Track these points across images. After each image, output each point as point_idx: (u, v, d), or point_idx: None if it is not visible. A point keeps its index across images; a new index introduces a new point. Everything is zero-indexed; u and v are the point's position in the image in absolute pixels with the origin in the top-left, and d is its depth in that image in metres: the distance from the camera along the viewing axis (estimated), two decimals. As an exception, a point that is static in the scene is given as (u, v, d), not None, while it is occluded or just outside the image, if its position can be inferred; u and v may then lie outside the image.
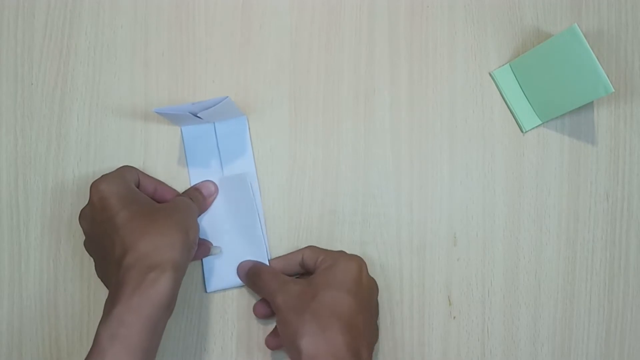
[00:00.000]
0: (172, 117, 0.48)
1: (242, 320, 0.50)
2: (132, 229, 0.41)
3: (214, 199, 0.50)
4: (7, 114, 0.51)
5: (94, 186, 0.44)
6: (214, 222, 0.50)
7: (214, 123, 0.50)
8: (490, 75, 0.52)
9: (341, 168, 0.51)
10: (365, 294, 0.45)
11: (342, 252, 0.48)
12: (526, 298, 0.51)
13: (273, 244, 0.50)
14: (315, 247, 0.49)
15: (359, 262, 0.46)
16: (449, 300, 0.51)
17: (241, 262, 0.49)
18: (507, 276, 0.51)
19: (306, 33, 0.51)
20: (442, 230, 0.51)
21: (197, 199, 0.48)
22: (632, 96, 0.52)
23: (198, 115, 0.46)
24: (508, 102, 0.52)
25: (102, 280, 0.46)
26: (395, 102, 0.51)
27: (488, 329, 0.51)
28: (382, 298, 0.50)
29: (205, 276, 0.49)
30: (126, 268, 0.40)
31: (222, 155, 0.50)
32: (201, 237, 0.49)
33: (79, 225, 0.50)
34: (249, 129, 0.51)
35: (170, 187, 0.49)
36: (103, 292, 0.48)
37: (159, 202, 0.47)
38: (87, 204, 0.45)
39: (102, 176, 0.45)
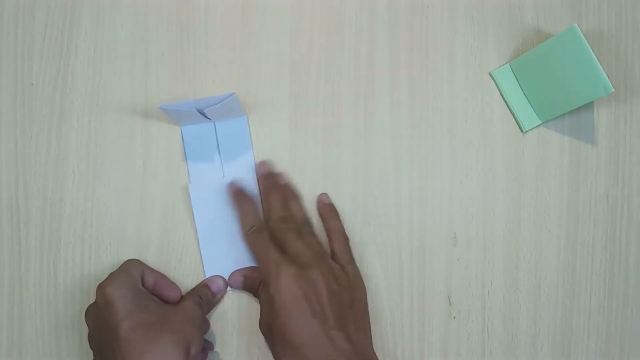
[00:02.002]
0: (175, 115, 0.47)
1: (242, 320, 0.50)
2: (133, 344, 0.41)
3: (224, 294, 0.50)
4: (7, 114, 0.51)
5: (101, 289, 0.43)
6: (218, 222, 0.50)
7: (214, 123, 0.50)
8: (490, 75, 0.52)
9: (341, 168, 0.51)
10: (304, 300, 0.44)
11: (273, 261, 0.46)
12: (526, 298, 0.51)
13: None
14: (259, 250, 0.48)
15: (285, 278, 0.45)
16: (449, 300, 0.51)
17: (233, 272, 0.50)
18: (507, 276, 0.51)
19: (306, 33, 0.52)
20: (442, 231, 0.51)
21: (206, 295, 0.48)
22: (632, 96, 0.52)
23: (204, 112, 0.46)
24: (508, 102, 0.52)
25: None
26: (395, 102, 0.51)
27: (488, 329, 0.51)
28: (382, 298, 0.50)
29: (206, 273, 0.50)
30: None
31: (222, 155, 0.50)
32: (202, 236, 0.49)
33: (79, 226, 0.50)
34: (249, 128, 0.51)
35: (170, 282, 0.49)
36: (103, 292, 0.48)
37: (158, 296, 0.47)
38: (92, 304, 0.45)
39: (109, 276, 0.45)
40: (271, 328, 0.44)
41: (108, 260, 0.50)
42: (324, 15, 0.52)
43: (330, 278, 0.45)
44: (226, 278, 0.50)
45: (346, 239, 0.49)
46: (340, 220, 0.50)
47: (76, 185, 0.50)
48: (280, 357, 0.44)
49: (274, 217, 0.48)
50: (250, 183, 0.50)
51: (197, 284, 0.49)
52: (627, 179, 0.52)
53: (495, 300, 0.51)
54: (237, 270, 0.49)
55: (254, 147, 0.51)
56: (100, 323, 0.43)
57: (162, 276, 0.49)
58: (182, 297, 0.48)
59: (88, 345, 0.46)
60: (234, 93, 0.45)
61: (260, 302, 0.47)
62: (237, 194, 0.49)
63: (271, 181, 0.50)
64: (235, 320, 0.50)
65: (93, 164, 0.50)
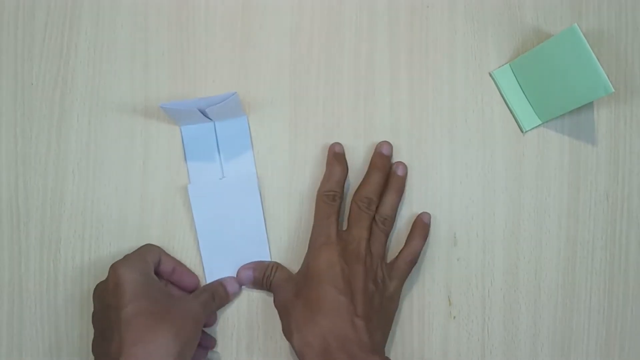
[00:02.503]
0: (176, 114, 0.47)
1: (242, 320, 0.50)
2: (133, 328, 0.41)
3: (236, 296, 0.50)
4: (7, 114, 0.51)
5: (113, 269, 0.43)
6: (218, 222, 0.50)
7: (214, 123, 0.50)
8: (490, 75, 0.52)
9: (341, 168, 0.51)
10: (342, 276, 0.45)
11: (323, 234, 0.47)
12: (526, 298, 0.51)
13: (273, 243, 0.50)
14: (281, 265, 0.49)
15: (332, 247, 0.46)
16: (449, 300, 0.51)
17: (241, 267, 0.50)
18: (507, 276, 0.51)
19: (306, 33, 0.51)
20: (442, 230, 0.51)
21: (219, 293, 0.48)
22: (632, 96, 0.52)
23: (205, 111, 0.46)
24: (508, 102, 0.52)
25: (94, 357, 0.45)
26: (395, 102, 0.51)
27: (488, 329, 0.51)
28: (382, 298, 0.50)
29: (206, 274, 0.49)
30: None
31: (222, 155, 0.50)
32: (201, 236, 0.49)
33: (79, 226, 0.50)
34: (249, 128, 0.51)
35: (188, 270, 0.49)
36: (103, 292, 0.48)
37: (176, 284, 0.47)
38: (102, 282, 0.45)
39: (125, 257, 0.45)
40: (297, 296, 0.45)
41: (108, 260, 0.50)
42: (324, 15, 0.52)
43: (369, 278, 0.45)
44: (229, 278, 0.49)
45: (413, 261, 0.49)
46: (423, 244, 0.49)
47: (76, 185, 0.50)
48: (298, 325, 0.44)
49: (362, 195, 0.48)
50: (251, 182, 0.50)
51: (214, 281, 0.49)
52: (627, 179, 0.52)
53: (495, 300, 0.51)
54: (244, 265, 0.49)
55: (253, 147, 0.51)
56: (106, 302, 0.43)
57: (181, 264, 0.49)
58: (194, 293, 0.48)
59: (88, 344, 0.46)
60: (235, 92, 0.45)
61: (276, 280, 0.47)
62: (337, 155, 0.49)
63: (383, 162, 0.49)
64: (235, 320, 0.50)
65: (93, 164, 0.50)
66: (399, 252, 0.49)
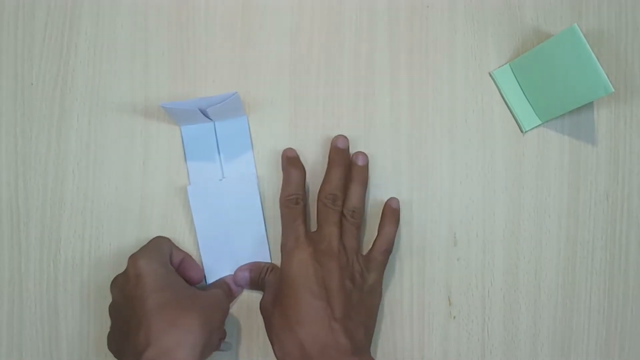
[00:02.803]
0: (176, 114, 0.47)
1: (242, 320, 0.50)
2: (160, 318, 0.41)
3: (240, 292, 0.50)
4: (7, 114, 0.51)
5: (133, 260, 0.43)
6: (217, 222, 0.50)
7: (214, 123, 0.50)
8: (490, 75, 0.52)
9: (341, 168, 0.51)
10: (315, 280, 0.44)
11: (294, 236, 0.47)
12: (526, 298, 0.51)
13: (273, 243, 0.50)
14: (285, 223, 0.48)
15: (305, 247, 0.45)
16: (449, 300, 0.51)
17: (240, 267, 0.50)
18: (507, 276, 0.51)
19: (306, 33, 0.51)
20: (442, 230, 0.51)
21: (224, 290, 0.48)
22: (632, 96, 0.52)
23: (206, 111, 0.46)
24: (508, 102, 0.52)
25: (111, 351, 0.45)
26: (395, 102, 0.51)
27: (488, 329, 0.51)
28: (383, 298, 0.50)
29: (206, 275, 0.50)
30: None
31: (222, 155, 0.50)
32: (201, 237, 0.49)
33: (79, 226, 0.50)
34: (249, 129, 0.51)
35: (195, 263, 0.49)
36: (103, 292, 0.48)
37: (182, 275, 0.47)
38: (121, 274, 0.45)
39: (141, 250, 0.45)
40: (274, 301, 0.44)
41: (108, 260, 0.50)
42: (324, 15, 0.52)
43: (345, 275, 0.45)
44: (228, 271, 0.49)
45: (388, 250, 0.48)
46: (395, 230, 0.49)
47: (76, 185, 0.50)
48: (277, 334, 0.44)
49: (326, 192, 0.47)
50: (251, 182, 0.50)
51: (220, 278, 0.50)
52: (627, 179, 0.52)
53: (495, 300, 0.51)
54: (240, 266, 0.49)
55: (253, 147, 0.51)
56: (127, 293, 0.43)
57: (189, 256, 0.49)
58: (210, 286, 0.49)
59: (88, 344, 0.46)
60: (236, 93, 0.45)
61: (266, 284, 0.47)
62: (291, 159, 0.49)
63: (341, 156, 0.49)
64: (235, 321, 0.50)
65: (93, 164, 0.50)
66: (373, 243, 0.49)
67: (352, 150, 0.50)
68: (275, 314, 0.45)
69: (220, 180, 0.50)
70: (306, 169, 0.50)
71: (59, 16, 0.51)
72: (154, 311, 0.41)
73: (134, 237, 0.50)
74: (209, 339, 0.42)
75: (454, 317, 0.51)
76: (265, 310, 0.47)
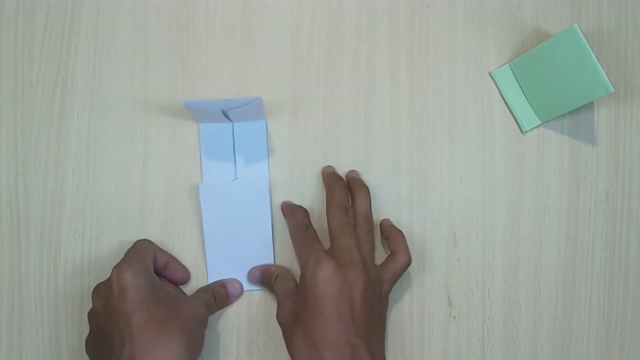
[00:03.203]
0: (198, 112, 0.47)
1: (242, 320, 0.50)
2: (145, 336, 0.41)
3: (237, 299, 0.50)
4: (7, 114, 0.51)
5: (118, 272, 0.43)
6: (225, 222, 0.49)
7: (232, 123, 0.50)
8: (490, 75, 0.52)
9: (341, 168, 0.51)
10: (337, 299, 0.44)
11: (315, 251, 0.45)
12: (526, 298, 0.51)
13: (278, 249, 0.50)
14: (301, 239, 0.48)
15: (328, 262, 0.44)
16: (449, 300, 0.51)
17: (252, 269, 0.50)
18: (507, 276, 0.51)
19: (306, 33, 0.52)
20: (442, 230, 0.51)
21: (220, 295, 0.48)
22: (632, 96, 0.52)
23: (228, 113, 0.46)
24: (508, 102, 0.52)
25: (89, 356, 0.45)
26: (395, 102, 0.51)
27: (488, 329, 0.51)
28: (382, 298, 0.50)
29: (209, 274, 0.50)
30: None
31: (237, 156, 0.50)
32: (210, 235, 0.50)
33: (79, 226, 0.50)
34: (267, 133, 0.50)
35: (181, 265, 0.49)
36: (103, 292, 0.48)
37: (167, 278, 0.48)
38: (104, 283, 0.44)
39: (125, 260, 0.44)
40: (296, 318, 0.44)
41: (108, 260, 0.50)
42: (324, 15, 0.52)
43: (367, 285, 0.44)
44: (231, 280, 0.50)
45: (405, 265, 0.48)
46: (405, 241, 0.49)
47: (76, 185, 0.50)
48: (296, 349, 0.43)
49: (335, 207, 0.47)
50: (264, 186, 0.50)
51: (215, 281, 0.50)
52: (627, 179, 0.52)
53: (495, 300, 0.51)
54: (254, 267, 0.50)
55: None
56: (111, 305, 0.43)
57: (173, 258, 0.49)
58: (196, 293, 0.48)
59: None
60: (260, 98, 0.45)
61: (278, 294, 0.47)
62: (290, 207, 0.49)
63: (335, 176, 0.49)
64: (235, 321, 0.50)
65: (93, 164, 0.50)
66: (390, 258, 0.48)
67: (357, 146, 0.50)
68: (298, 331, 0.44)
69: (233, 180, 0.50)
70: (306, 170, 0.50)
71: (59, 16, 0.51)
72: (138, 329, 0.41)
73: (134, 237, 0.50)
74: (191, 354, 0.43)
75: (454, 317, 0.51)
76: (285, 324, 0.46)
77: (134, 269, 0.43)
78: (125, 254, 0.45)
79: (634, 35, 0.53)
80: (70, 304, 0.50)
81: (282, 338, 0.46)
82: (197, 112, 0.47)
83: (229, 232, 0.49)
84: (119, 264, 0.44)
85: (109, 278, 0.44)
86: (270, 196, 0.50)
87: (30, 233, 0.50)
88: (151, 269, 0.46)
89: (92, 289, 0.46)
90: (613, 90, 0.44)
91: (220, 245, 0.49)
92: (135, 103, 0.51)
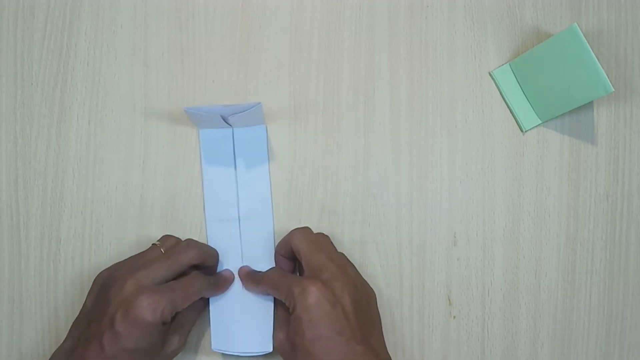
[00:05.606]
0: (198, 118, 0.47)
1: (242, 320, 0.50)
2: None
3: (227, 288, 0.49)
4: (7, 114, 0.51)
5: (140, 299, 0.41)
6: (226, 229, 0.50)
7: (232, 129, 0.50)
8: (490, 75, 0.52)
9: (341, 168, 0.51)
10: (333, 315, 0.43)
11: (295, 282, 0.45)
12: (526, 298, 0.51)
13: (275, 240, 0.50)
14: (275, 280, 0.47)
15: (312, 293, 0.43)
16: (449, 300, 0.51)
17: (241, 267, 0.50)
18: (507, 276, 0.51)
19: (306, 33, 0.52)
20: (442, 230, 0.51)
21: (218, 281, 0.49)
22: (632, 96, 0.52)
23: (227, 119, 0.46)
24: (508, 101, 0.52)
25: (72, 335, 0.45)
26: (395, 102, 0.51)
27: (488, 328, 0.51)
28: (382, 298, 0.50)
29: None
30: None
31: (237, 161, 0.50)
32: (210, 236, 0.50)
33: (79, 226, 0.50)
34: (268, 138, 0.50)
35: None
36: (103, 292, 0.48)
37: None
38: (120, 283, 0.42)
39: (159, 293, 0.42)
40: (295, 345, 0.43)
41: (108, 260, 0.50)
42: (324, 15, 0.52)
43: (354, 289, 0.44)
44: (230, 273, 0.50)
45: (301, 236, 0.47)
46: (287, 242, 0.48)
47: (76, 185, 0.50)
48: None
49: (296, 230, 0.47)
50: (264, 191, 0.50)
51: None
52: (627, 178, 0.52)
53: (495, 300, 0.51)
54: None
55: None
56: (109, 311, 0.42)
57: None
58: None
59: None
60: (260, 103, 0.45)
61: (276, 318, 0.47)
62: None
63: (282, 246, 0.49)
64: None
65: (93, 164, 0.50)
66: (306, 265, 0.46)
67: (357, 146, 0.50)
68: (299, 355, 0.43)
69: (234, 184, 0.50)
70: (306, 169, 0.50)
71: (59, 16, 0.51)
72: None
73: (133, 237, 0.50)
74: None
75: (454, 317, 0.51)
76: (284, 350, 0.46)
77: (157, 303, 0.41)
78: (172, 283, 0.44)
79: (634, 35, 0.53)
80: (70, 304, 0.50)
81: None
82: (197, 118, 0.47)
83: (233, 234, 0.49)
84: (146, 290, 0.42)
85: (124, 285, 0.42)
86: (272, 202, 0.50)
87: (30, 233, 0.50)
88: (173, 314, 0.43)
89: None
90: (613, 90, 0.44)
91: (223, 245, 0.49)
92: (135, 103, 0.51)
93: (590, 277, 0.52)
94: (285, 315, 0.46)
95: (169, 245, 0.47)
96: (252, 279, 0.48)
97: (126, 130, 0.51)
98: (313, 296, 0.43)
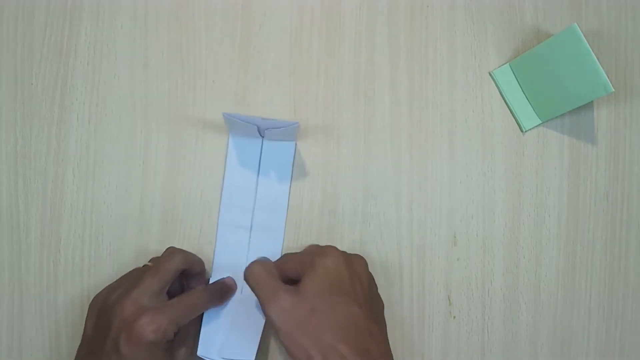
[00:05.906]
0: (233, 124, 0.48)
1: (242, 320, 0.50)
2: None
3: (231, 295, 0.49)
4: (7, 114, 0.51)
5: (145, 315, 0.41)
6: (238, 231, 0.50)
7: (262, 140, 0.50)
8: (490, 75, 0.52)
9: (341, 168, 0.51)
10: (349, 284, 0.43)
11: (313, 250, 0.45)
12: (526, 298, 0.51)
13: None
14: (288, 257, 0.46)
15: (332, 256, 0.43)
16: (449, 300, 0.51)
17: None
18: (507, 276, 0.51)
19: (306, 33, 0.52)
20: (442, 230, 0.51)
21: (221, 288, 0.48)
22: (632, 96, 0.52)
23: (263, 132, 0.47)
24: (508, 101, 0.52)
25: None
26: (395, 102, 0.51)
27: (488, 328, 0.51)
28: (382, 298, 0.50)
29: (213, 273, 0.50)
30: None
31: (260, 172, 0.50)
32: (220, 237, 0.50)
33: (79, 226, 0.50)
34: (295, 155, 0.50)
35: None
36: (103, 292, 0.48)
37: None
38: (122, 303, 0.42)
39: (166, 309, 0.42)
40: (313, 310, 0.41)
41: (108, 260, 0.50)
42: (324, 15, 0.52)
43: (367, 265, 0.45)
44: (233, 282, 0.49)
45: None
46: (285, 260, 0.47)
47: (76, 185, 0.50)
48: (316, 334, 0.41)
49: (291, 254, 0.47)
50: (281, 207, 0.50)
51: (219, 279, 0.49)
52: (627, 179, 0.52)
53: (495, 300, 0.51)
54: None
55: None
56: (111, 334, 0.41)
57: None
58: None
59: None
60: (297, 123, 0.45)
61: (270, 288, 0.46)
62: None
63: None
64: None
65: (93, 164, 0.50)
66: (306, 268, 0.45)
67: (357, 146, 0.50)
68: (310, 324, 0.41)
69: (253, 193, 0.50)
70: (306, 169, 0.50)
71: (59, 16, 0.51)
72: None
73: (134, 237, 0.50)
74: None
75: (454, 317, 0.51)
76: (284, 324, 0.42)
77: (164, 329, 0.41)
78: (174, 300, 0.44)
79: (634, 35, 0.53)
80: (70, 304, 0.50)
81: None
82: (232, 124, 0.48)
83: (242, 239, 0.49)
84: (152, 310, 0.41)
85: (123, 307, 0.42)
86: (287, 214, 0.50)
87: (30, 233, 0.50)
88: (172, 336, 0.43)
89: (92, 289, 0.46)
90: (613, 90, 0.44)
91: (230, 250, 0.49)
92: (135, 103, 0.51)
93: (590, 277, 0.52)
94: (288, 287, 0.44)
95: (156, 259, 0.47)
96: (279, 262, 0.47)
97: (126, 130, 0.51)
98: (332, 259, 0.43)
